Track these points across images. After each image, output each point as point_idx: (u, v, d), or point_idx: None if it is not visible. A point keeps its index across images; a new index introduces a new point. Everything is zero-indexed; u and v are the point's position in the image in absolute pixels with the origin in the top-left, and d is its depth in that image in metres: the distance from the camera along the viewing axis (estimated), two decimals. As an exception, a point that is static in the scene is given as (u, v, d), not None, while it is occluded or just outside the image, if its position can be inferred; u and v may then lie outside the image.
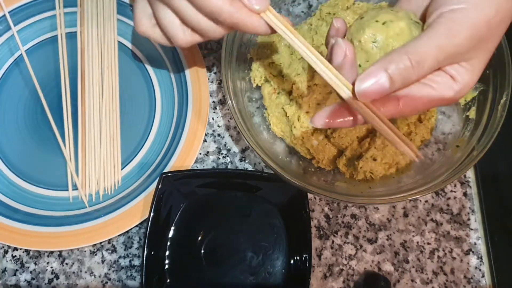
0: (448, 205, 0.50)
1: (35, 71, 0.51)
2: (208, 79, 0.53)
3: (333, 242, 0.49)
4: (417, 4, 0.32)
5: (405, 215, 0.50)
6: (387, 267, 0.48)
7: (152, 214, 0.45)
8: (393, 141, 0.29)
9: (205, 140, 0.52)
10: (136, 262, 0.48)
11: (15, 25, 0.53)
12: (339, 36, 0.31)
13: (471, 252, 0.49)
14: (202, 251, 0.47)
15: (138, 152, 0.51)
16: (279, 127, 0.48)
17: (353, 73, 0.29)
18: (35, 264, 0.48)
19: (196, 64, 0.52)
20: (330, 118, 0.30)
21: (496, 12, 0.28)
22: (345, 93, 0.29)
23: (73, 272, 0.47)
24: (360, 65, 0.30)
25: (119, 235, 0.48)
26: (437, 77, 0.29)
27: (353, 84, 0.28)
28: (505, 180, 0.49)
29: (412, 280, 0.48)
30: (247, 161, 0.52)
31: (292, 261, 0.46)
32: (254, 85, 0.50)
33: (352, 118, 0.30)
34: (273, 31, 0.33)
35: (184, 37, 0.36)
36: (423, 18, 0.31)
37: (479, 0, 0.28)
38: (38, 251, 0.48)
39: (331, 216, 0.49)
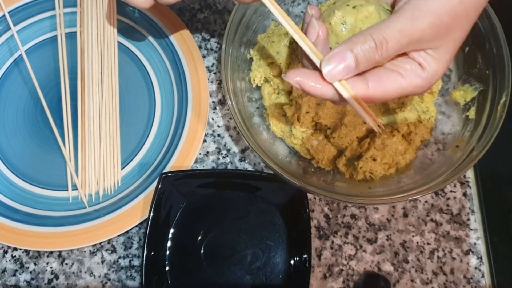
0: (447, 205, 0.50)
1: (35, 71, 0.51)
2: (208, 79, 0.53)
3: (333, 242, 0.49)
4: None
5: (405, 215, 0.50)
6: (387, 267, 0.48)
7: (151, 214, 0.45)
8: (359, 112, 0.30)
9: (204, 140, 0.52)
10: (136, 262, 0.48)
11: (15, 25, 0.53)
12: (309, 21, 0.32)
13: (470, 252, 0.49)
14: (202, 251, 0.47)
15: (138, 152, 0.51)
16: (278, 127, 0.48)
17: (325, 51, 0.30)
18: (35, 264, 0.47)
19: (196, 64, 0.52)
20: (304, 77, 0.30)
21: (460, 1, 0.29)
22: (318, 62, 0.30)
23: (73, 272, 0.47)
24: (331, 48, 0.31)
25: (119, 235, 0.48)
26: (406, 64, 0.30)
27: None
28: (505, 180, 0.49)
29: (412, 280, 0.48)
30: (246, 161, 0.52)
31: (292, 261, 0.46)
32: (254, 85, 0.50)
33: (321, 86, 0.30)
34: None
35: None
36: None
37: None
38: (38, 251, 0.48)
39: (331, 216, 0.49)
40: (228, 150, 0.52)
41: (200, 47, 0.55)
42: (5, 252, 0.48)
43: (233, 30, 0.45)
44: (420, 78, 0.30)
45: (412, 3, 0.29)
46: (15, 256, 0.48)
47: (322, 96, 0.30)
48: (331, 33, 0.31)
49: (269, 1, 0.32)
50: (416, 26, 0.28)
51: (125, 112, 0.52)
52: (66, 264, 0.48)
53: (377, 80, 0.30)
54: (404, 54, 0.30)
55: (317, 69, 0.30)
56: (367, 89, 0.29)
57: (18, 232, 0.46)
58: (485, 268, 0.48)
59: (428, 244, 0.49)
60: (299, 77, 0.30)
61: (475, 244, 0.49)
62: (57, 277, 0.47)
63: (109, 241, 0.48)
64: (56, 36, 0.54)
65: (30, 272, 0.47)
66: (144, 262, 0.44)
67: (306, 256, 0.44)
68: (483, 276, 0.48)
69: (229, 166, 0.51)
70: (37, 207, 0.48)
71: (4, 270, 0.47)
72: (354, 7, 0.30)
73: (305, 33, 0.30)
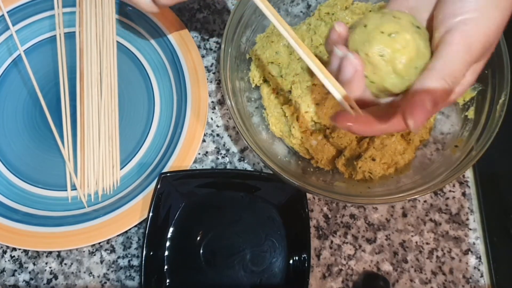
0: (447, 205, 0.50)
1: (34, 71, 0.51)
2: (207, 79, 0.53)
3: (332, 242, 0.49)
4: (416, 1, 0.32)
5: (404, 215, 0.50)
6: (386, 267, 0.48)
7: (151, 214, 0.45)
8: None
9: (204, 140, 0.52)
10: (135, 262, 0.48)
11: (13, 25, 0.53)
12: (340, 41, 0.31)
13: (469, 252, 0.49)
14: (201, 251, 0.47)
15: (137, 152, 0.51)
16: (278, 127, 0.48)
17: (361, 85, 0.30)
18: (34, 264, 0.47)
19: (195, 64, 0.52)
20: (353, 122, 0.31)
21: (501, 14, 0.29)
22: (338, 94, 0.30)
23: (72, 272, 0.47)
24: (367, 76, 0.30)
25: (118, 235, 0.48)
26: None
27: (365, 103, 0.30)
28: (504, 180, 0.49)
29: (411, 280, 0.48)
30: (246, 161, 0.52)
31: (291, 261, 0.46)
32: (253, 85, 0.50)
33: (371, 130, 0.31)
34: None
35: None
36: (429, 23, 0.32)
37: (486, 6, 0.28)
38: (37, 251, 0.48)
39: (330, 216, 0.49)
40: (227, 150, 0.52)
41: (199, 47, 0.55)
42: (4, 252, 0.48)
43: (232, 30, 0.45)
44: (454, 93, 0.31)
45: (460, 29, 0.28)
46: (14, 256, 0.48)
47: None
48: (368, 63, 0.30)
49: (287, 32, 0.32)
50: (473, 55, 0.28)
51: (124, 112, 0.52)
52: (65, 264, 0.48)
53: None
54: None
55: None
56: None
57: (17, 232, 0.46)
58: (484, 267, 0.48)
59: (427, 244, 0.49)
60: (349, 123, 0.30)
61: (474, 243, 0.49)
62: (56, 277, 0.47)
63: (108, 241, 0.48)
64: (55, 36, 0.54)
65: (29, 272, 0.47)
66: (143, 262, 0.44)
67: (305, 256, 0.44)
68: (482, 276, 0.48)
69: (228, 166, 0.51)
70: (36, 207, 0.48)
71: (3, 270, 0.47)
72: (389, 36, 0.29)
73: (340, 66, 0.30)
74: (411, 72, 0.30)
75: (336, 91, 0.30)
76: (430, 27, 0.31)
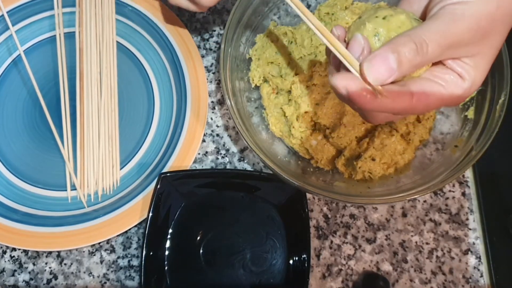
0: (446, 205, 0.50)
1: (34, 71, 0.51)
2: (207, 79, 0.53)
3: (332, 242, 0.49)
4: (419, 5, 0.32)
5: (404, 215, 0.50)
6: (386, 267, 0.48)
7: (151, 214, 0.45)
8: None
9: (203, 140, 0.52)
10: (135, 262, 0.48)
11: (13, 25, 0.53)
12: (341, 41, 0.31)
13: (469, 252, 0.49)
14: (201, 251, 0.47)
15: (137, 152, 0.51)
16: (277, 127, 0.48)
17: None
18: (34, 264, 0.47)
19: (194, 64, 0.52)
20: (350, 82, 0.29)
21: (497, 6, 0.28)
22: (354, 70, 0.29)
23: (72, 273, 0.47)
24: None
25: (117, 235, 0.48)
26: (446, 75, 0.30)
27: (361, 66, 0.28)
28: (504, 180, 0.49)
29: (411, 280, 0.48)
30: (245, 161, 0.52)
31: (291, 261, 0.46)
32: (253, 85, 0.50)
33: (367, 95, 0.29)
34: None
35: None
36: (423, 17, 0.32)
37: None
38: (37, 252, 0.48)
39: (330, 216, 0.49)
40: (227, 150, 0.52)
41: (199, 47, 0.55)
42: (4, 252, 0.48)
43: (232, 30, 0.45)
44: (460, 88, 0.29)
45: (449, 7, 0.28)
46: (14, 256, 0.48)
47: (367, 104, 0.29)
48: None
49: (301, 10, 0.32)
50: (454, 30, 0.28)
51: (124, 112, 0.52)
52: (65, 264, 0.48)
53: (423, 94, 0.29)
54: (440, 63, 0.30)
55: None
56: (411, 102, 0.29)
57: (17, 232, 0.46)
58: (483, 267, 0.48)
59: (427, 243, 0.49)
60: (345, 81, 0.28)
61: (474, 243, 0.49)
62: (56, 277, 0.47)
63: (108, 241, 0.48)
64: (55, 36, 0.54)
65: (29, 272, 0.47)
66: (143, 262, 0.44)
67: (305, 256, 0.44)
68: (481, 276, 0.48)
69: (228, 166, 0.51)
70: (36, 207, 0.48)
71: (3, 270, 0.47)
72: (384, 18, 0.29)
73: (347, 48, 0.30)
74: None
75: (355, 70, 0.29)
76: None
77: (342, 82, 0.28)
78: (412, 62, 0.28)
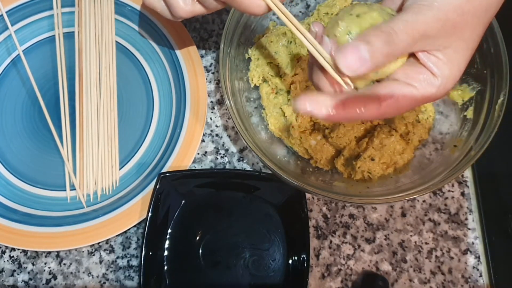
0: (445, 204, 0.50)
1: (33, 71, 0.51)
2: (206, 79, 0.53)
3: (331, 242, 0.49)
4: (399, 1, 0.33)
5: (403, 215, 0.50)
6: (385, 266, 0.48)
7: (150, 214, 0.45)
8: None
9: (203, 140, 0.52)
10: (134, 262, 0.48)
11: (12, 25, 0.53)
12: (317, 39, 0.31)
13: (468, 252, 0.49)
14: (200, 251, 0.47)
15: (136, 152, 0.51)
16: (277, 127, 0.49)
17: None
18: (33, 264, 0.47)
19: (194, 64, 0.52)
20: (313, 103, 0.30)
21: (467, 0, 0.28)
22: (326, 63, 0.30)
23: (71, 273, 0.47)
24: None
25: (117, 235, 0.48)
26: (419, 75, 0.30)
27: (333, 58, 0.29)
28: (503, 180, 0.49)
29: (410, 280, 0.48)
30: (245, 161, 0.52)
31: (290, 261, 0.46)
32: (252, 85, 0.50)
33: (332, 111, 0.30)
34: (269, 9, 0.34)
35: (185, 6, 0.37)
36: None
37: None
38: (36, 252, 0.48)
39: (329, 216, 0.49)
40: (227, 150, 0.52)
41: (198, 47, 0.55)
42: (3, 252, 0.48)
43: (231, 30, 0.45)
44: (433, 86, 0.30)
45: (417, 2, 0.29)
46: (13, 256, 0.48)
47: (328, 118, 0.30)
48: (338, 45, 0.30)
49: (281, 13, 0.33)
50: (422, 19, 0.28)
51: (123, 112, 0.52)
52: (64, 264, 0.47)
53: (392, 98, 0.29)
54: (415, 58, 0.30)
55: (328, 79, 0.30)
56: (380, 109, 0.29)
57: (16, 232, 0.46)
58: (483, 267, 0.48)
59: (426, 243, 0.49)
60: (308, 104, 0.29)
61: (473, 243, 0.49)
62: (55, 277, 0.47)
63: (107, 241, 0.48)
64: (54, 36, 0.54)
65: (28, 272, 0.47)
66: (142, 262, 0.44)
67: (304, 255, 0.44)
68: (481, 276, 0.48)
69: (227, 166, 0.51)
70: (35, 207, 0.48)
71: (2, 271, 0.47)
72: (357, 16, 0.30)
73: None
74: None
75: (324, 59, 0.30)
76: None
77: (305, 107, 0.29)
78: (383, 51, 0.28)
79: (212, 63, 0.55)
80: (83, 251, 0.48)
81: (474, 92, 0.44)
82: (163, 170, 0.48)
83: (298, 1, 0.51)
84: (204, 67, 0.54)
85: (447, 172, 0.41)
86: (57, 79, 0.52)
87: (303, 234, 0.45)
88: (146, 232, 0.45)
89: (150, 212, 0.45)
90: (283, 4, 0.33)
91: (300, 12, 0.52)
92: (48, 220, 0.47)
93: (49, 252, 0.48)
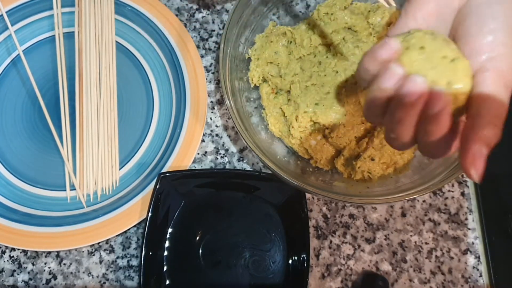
0: (445, 204, 0.50)
1: (33, 71, 0.51)
2: (206, 79, 0.53)
3: (331, 242, 0.49)
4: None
5: (403, 215, 0.50)
6: (385, 266, 0.48)
7: (150, 214, 0.45)
8: None
9: (203, 140, 0.52)
10: (134, 262, 0.48)
11: (12, 25, 0.53)
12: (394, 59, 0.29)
13: (468, 252, 0.49)
14: (200, 251, 0.47)
15: (136, 152, 0.51)
16: (277, 127, 0.48)
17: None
18: (33, 264, 0.47)
19: (194, 64, 0.52)
20: None
21: None
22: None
23: (71, 273, 0.47)
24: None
25: (117, 235, 0.48)
26: None
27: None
28: (503, 180, 0.49)
29: (410, 280, 0.48)
30: (245, 161, 0.52)
31: (290, 261, 0.46)
32: (252, 85, 0.50)
33: None
34: None
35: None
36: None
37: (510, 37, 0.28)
38: (36, 252, 0.48)
39: (329, 216, 0.49)
40: (226, 150, 0.52)
41: (198, 47, 0.55)
42: (3, 252, 0.48)
43: (231, 30, 0.45)
44: None
45: (493, 67, 0.28)
46: (13, 256, 0.48)
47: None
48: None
49: None
50: (510, 89, 0.28)
51: (123, 112, 0.52)
52: (64, 264, 0.47)
53: None
54: None
55: None
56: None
57: (16, 232, 0.46)
58: (483, 267, 0.48)
59: (426, 243, 0.49)
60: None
61: (473, 243, 0.49)
62: (55, 277, 0.47)
63: (107, 241, 0.48)
64: (54, 36, 0.54)
65: (28, 272, 0.47)
66: (142, 262, 0.44)
67: (304, 255, 0.44)
68: (481, 276, 0.48)
69: (227, 166, 0.51)
70: (35, 207, 0.48)
71: (2, 271, 0.47)
72: (452, 61, 0.27)
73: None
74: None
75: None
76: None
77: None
78: (497, 138, 0.28)
79: (212, 63, 0.55)
80: (83, 251, 0.48)
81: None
82: (163, 170, 0.48)
83: (298, 1, 0.51)
84: (204, 67, 0.54)
85: (447, 172, 0.41)
86: (57, 79, 0.52)
87: (303, 234, 0.45)
88: (146, 232, 0.45)
89: (150, 212, 0.45)
90: None
91: (300, 12, 0.52)
92: (48, 220, 0.47)
93: (49, 252, 0.48)
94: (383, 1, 0.40)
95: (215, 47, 0.55)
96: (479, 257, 0.49)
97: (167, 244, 0.47)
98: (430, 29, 0.29)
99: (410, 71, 0.27)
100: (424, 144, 0.28)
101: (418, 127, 0.28)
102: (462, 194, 0.51)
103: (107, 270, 0.48)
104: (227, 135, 0.52)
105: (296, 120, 0.47)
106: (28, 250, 0.48)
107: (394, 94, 0.28)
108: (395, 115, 0.28)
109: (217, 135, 0.52)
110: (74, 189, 0.49)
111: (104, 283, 0.47)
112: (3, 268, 0.47)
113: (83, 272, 0.47)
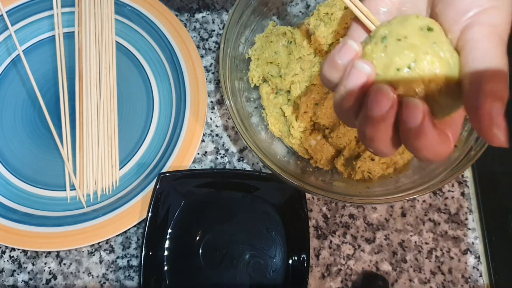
0: (445, 204, 0.50)
1: (33, 71, 0.51)
2: (206, 79, 0.53)
3: (331, 242, 0.49)
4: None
5: (403, 215, 0.50)
6: (385, 266, 0.48)
7: (150, 214, 0.45)
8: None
9: (203, 140, 0.52)
10: (134, 262, 0.48)
11: (12, 24, 0.53)
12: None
13: (468, 252, 0.49)
14: (200, 251, 0.47)
15: (136, 152, 0.51)
16: (277, 127, 0.48)
17: None
18: (33, 264, 0.47)
19: (194, 64, 0.52)
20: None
21: None
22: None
23: (71, 273, 0.47)
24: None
25: (117, 235, 0.48)
26: None
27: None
28: (503, 180, 0.49)
29: (410, 280, 0.48)
30: (245, 161, 0.52)
31: (290, 261, 0.46)
32: (252, 85, 0.50)
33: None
34: None
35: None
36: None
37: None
38: (36, 252, 0.48)
39: (329, 216, 0.49)
40: (226, 150, 0.52)
41: (198, 47, 0.55)
42: (3, 252, 0.48)
43: (231, 30, 0.45)
44: None
45: (482, 21, 0.24)
46: (13, 256, 0.48)
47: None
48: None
49: None
50: (505, 41, 0.24)
51: (123, 112, 0.52)
52: (64, 264, 0.47)
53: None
54: None
55: None
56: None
57: (16, 232, 0.46)
58: (483, 267, 0.48)
59: (426, 243, 0.49)
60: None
61: (473, 243, 0.49)
62: (55, 277, 0.47)
63: (107, 241, 0.48)
64: (54, 36, 0.54)
65: (28, 272, 0.47)
66: (142, 262, 0.44)
67: (304, 255, 0.44)
68: (481, 276, 0.48)
69: (227, 166, 0.51)
70: (35, 207, 0.48)
71: (2, 270, 0.47)
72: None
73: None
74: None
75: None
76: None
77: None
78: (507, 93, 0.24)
79: (212, 63, 0.55)
80: (83, 251, 0.48)
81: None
82: (163, 170, 0.48)
83: (298, 1, 0.51)
84: (204, 67, 0.54)
85: (447, 172, 0.41)
86: (57, 79, 0.52)
87: (303, 234, 0.45)
88: (146, 232, 0.45)
89: (150, 212, 0.45)
90: None
91: (300, 12, 0.52)
92: (48, 220, 0.47)
93: (49, 252, 0.48)
94: None
95: (215, 47, 0.55)
96: (479, 257, 0.49)
97: (167, 244, 0.47)
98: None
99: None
100: (419, 157, 0.25)
101: (403, 142, 0.24)
102: (462, 194, 0.51)
103: (107, 270, 0.48)
104: (227, 135, 0.52)
105: (296, 120, 0.47)
106: (28, 250, 0.48)
107: (358, 96, 0.25)
108: (365, 132, 0.25)
109: (217, 135, 0.52)
110: (74, 189, 0.49)
111: (104, 283, 0.47)
112: (3, 268, 0.47)
113: (83, 272, 0.47)
